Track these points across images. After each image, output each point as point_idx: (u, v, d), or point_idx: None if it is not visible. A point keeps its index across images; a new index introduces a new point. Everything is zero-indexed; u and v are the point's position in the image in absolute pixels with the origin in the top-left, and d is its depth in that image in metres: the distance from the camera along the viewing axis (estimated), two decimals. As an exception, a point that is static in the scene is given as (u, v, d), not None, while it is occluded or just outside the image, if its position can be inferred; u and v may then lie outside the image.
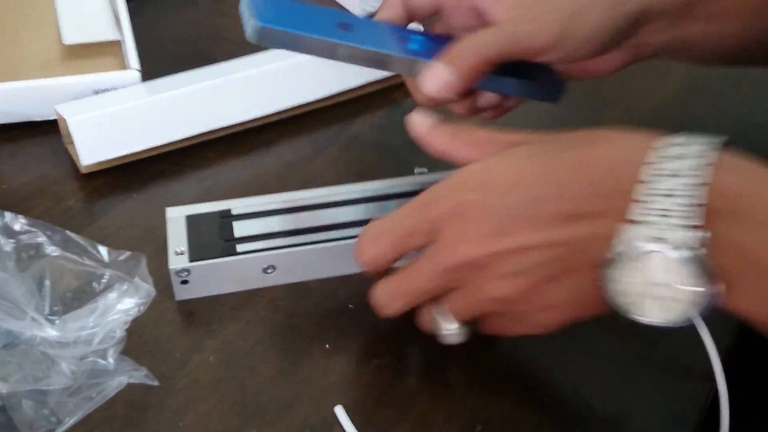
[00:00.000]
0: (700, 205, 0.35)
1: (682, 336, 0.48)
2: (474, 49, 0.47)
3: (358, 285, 0.52)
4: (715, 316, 0.48)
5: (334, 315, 0.51)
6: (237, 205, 0.53)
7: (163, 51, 0.73)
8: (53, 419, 0.42)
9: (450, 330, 0.44)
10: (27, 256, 0.49)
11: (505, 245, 0.39)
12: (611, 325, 0.51)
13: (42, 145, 0.63)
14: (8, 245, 0.48)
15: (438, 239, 0.41)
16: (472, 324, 0.44)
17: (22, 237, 0.49)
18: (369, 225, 0.45)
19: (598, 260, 0.38)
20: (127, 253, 0.48)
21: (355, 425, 0.44)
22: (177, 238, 0.51)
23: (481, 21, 0.50)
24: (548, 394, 0.47)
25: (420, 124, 0.46)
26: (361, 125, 0.66)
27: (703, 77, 0.71)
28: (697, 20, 0.49)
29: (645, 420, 0.46)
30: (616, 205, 0.37)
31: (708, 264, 0.36)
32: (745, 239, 0.36)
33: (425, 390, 0.47)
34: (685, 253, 0.36)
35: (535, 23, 0.46)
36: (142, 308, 0.45)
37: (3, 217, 0.49)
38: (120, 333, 0.44)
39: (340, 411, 0.44)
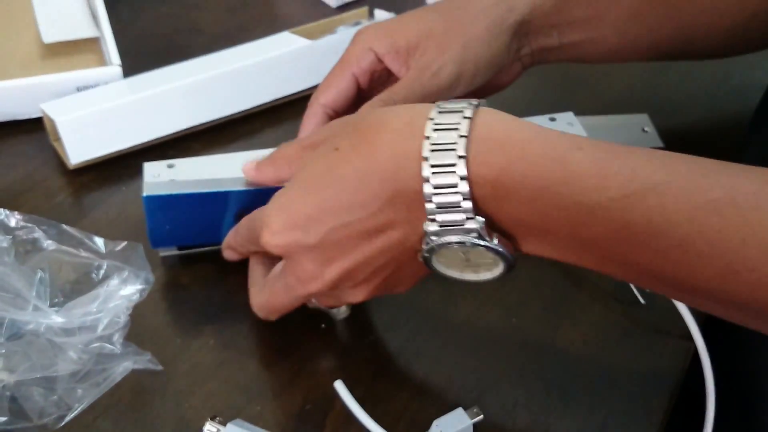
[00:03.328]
0: (466, 198, 0.39)
1: (662, 300, 0.51)
2: (383, 104, 0.52)
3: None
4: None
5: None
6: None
7: (140, 46, 0.74)
8: (63, 405, 0.43)
9: (336, 313, 0.50)
10: (24, 251, 0.49)
11: (337, 272, 0.43)
12: (594, 293, 0.53)
13: (27, 143, 0.64)
14: (5, 241, 0.49)
15: (283, 268, 0.45)
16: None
17: (18, 233, 0.50)
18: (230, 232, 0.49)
19: (417, 247, 0.42)
20: (124, 243, 0.49)
21: (355, 398, 0.45)
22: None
23: None
24: (536, 360, 0.49)
25: (248, 169, 0.49)
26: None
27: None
28: (575, 26, 0.56)
29: (627, 380, 0.48)
30: (407, 206, 0.40)
31: (493, 238, 0.40)
32: (515, 214, 0.39)
33: (422, 361, 0.48)
34: (471, 238, 0.40)
35: (430, 70, 0.53)
36: (143, 294, 0.46)
37: (-3, 214, 0.50)
38: (124, 318, 0.45)
39: (339, 385, 0.46)
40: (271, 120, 0.67)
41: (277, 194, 0.44)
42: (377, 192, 0.41)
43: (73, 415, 0.44)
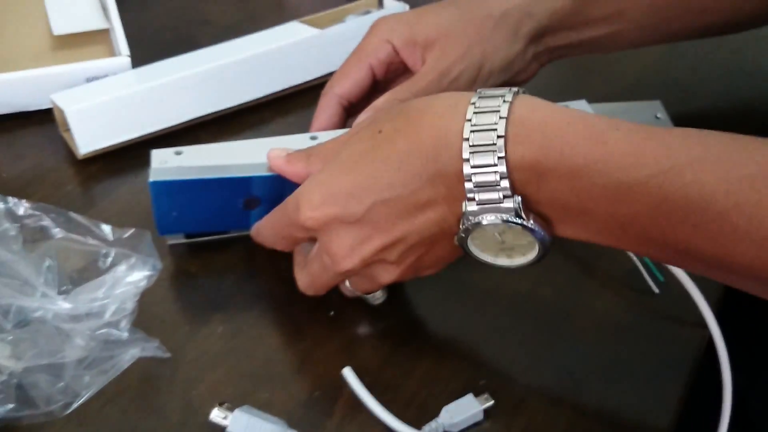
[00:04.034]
0: (504, 177, 0.39)
1: (676, 288, 0.50)
2: (400, 102, 0.51)
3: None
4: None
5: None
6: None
7: (149, 38, 0.74)
8: (70, 393, 0.43)
9: (372, 298, 0.50)
10: (32, 239, 0.49)
11: (372, 249, 0.43)
12: (606, 281, 0.53)
13: (37, 134, 0.64)
14: (13, 229, 0.49)
15: (319, 247, 0.46)
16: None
17: (27, 221, 0.49)
18: (258, 225, 0.50)
19: (454, 229, 0.42)
20: (131, 230, 0.49)
21: (363, 385, 0.45)
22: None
23: None
24: (548, 346, 0.48)
25: (277, 157, 0.49)
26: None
27: (681, 43, 0.73)
28: (593, 24, 0.56)
29: (641, 368, 0.47)
30: (448, 186, 0.41)
31: (530, 218, 0.40)
32: (552, 194, 0.40)
33: (429, 349, 0.48)
34: (510, 217, 0.40)
35: (449, 75, 0.53)
36: (151, 280, 0.46)
37: (6, 202, 0.50)
38: (131, 305, 0.44)
39: (348, 372, 0.45)
40: (280, 110, 0.66)
41: (316, 173, 0.45)
42: (419, 171, 0.41)
43: (80, 402, 0.43)
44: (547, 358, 0.48)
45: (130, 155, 0.61)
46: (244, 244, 0.54)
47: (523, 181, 0.40)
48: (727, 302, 0.51)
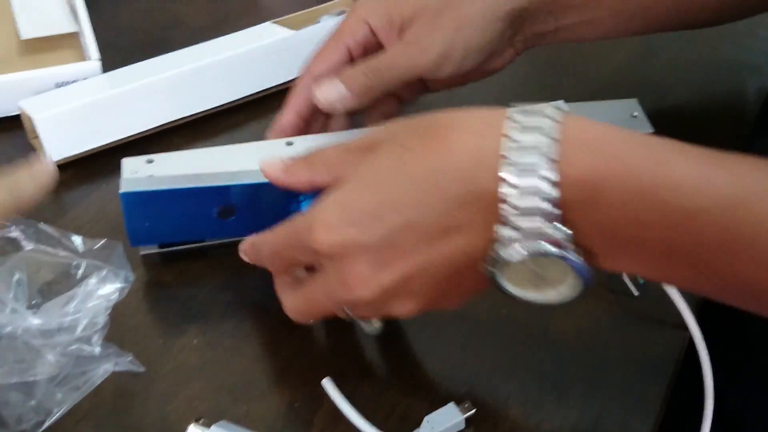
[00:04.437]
0: (549, 202, 0.36)
1: (654, 290, 0.50)
2: (366, 70, 0.52)
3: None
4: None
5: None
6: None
7: (120, 40, 0.73)
8: (42, 410, 0.42)
9: (368, 327, 0.46)
10: (1, 251, 0.48)
11: (393, 277, 0.39)
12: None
13: (5, 142, 0.62)
14: (-19, 242, 0.48)
15: (325, 272, 0.41)
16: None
17: (-6, 233, 0.48)
18: (252, 238, 0.45)
19: (480, 259, 0.38)
20: (102, 241, 0.47)
21: (344, 395, 0.44)
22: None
23: None
24: (528, 352, 0.48)
25: (272, 168, 0.44)
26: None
27: (657, 39, 0.73)
28: (571, 9, 0.56)
29: (622, 370, 0.47)
30: (482, 210, 0.37)
31: (573, 250, 0.37)
32: (603, 221, 0.37)
33: (411, 356, 0.47)
34: (552, 248, 0.37)
35: (418, 45, 0.52)
36: (123, 293, 0.45)
37: (-27, 214, 0.49)
38: (103, 319, 0.43)
39: (328, 383, 0.45)
40: (255, 112, 0.65)
41: (331, 190, 0.40)
42: (449, 192, 0.38)
43: (52, 420, 0.42)
44: (528, 363, 0.47)
45: (102, 161, 0.60)
46: (220, 252, 0.53)
47: (568, 205, 0.36)
48: (705, 303, 0.51)
